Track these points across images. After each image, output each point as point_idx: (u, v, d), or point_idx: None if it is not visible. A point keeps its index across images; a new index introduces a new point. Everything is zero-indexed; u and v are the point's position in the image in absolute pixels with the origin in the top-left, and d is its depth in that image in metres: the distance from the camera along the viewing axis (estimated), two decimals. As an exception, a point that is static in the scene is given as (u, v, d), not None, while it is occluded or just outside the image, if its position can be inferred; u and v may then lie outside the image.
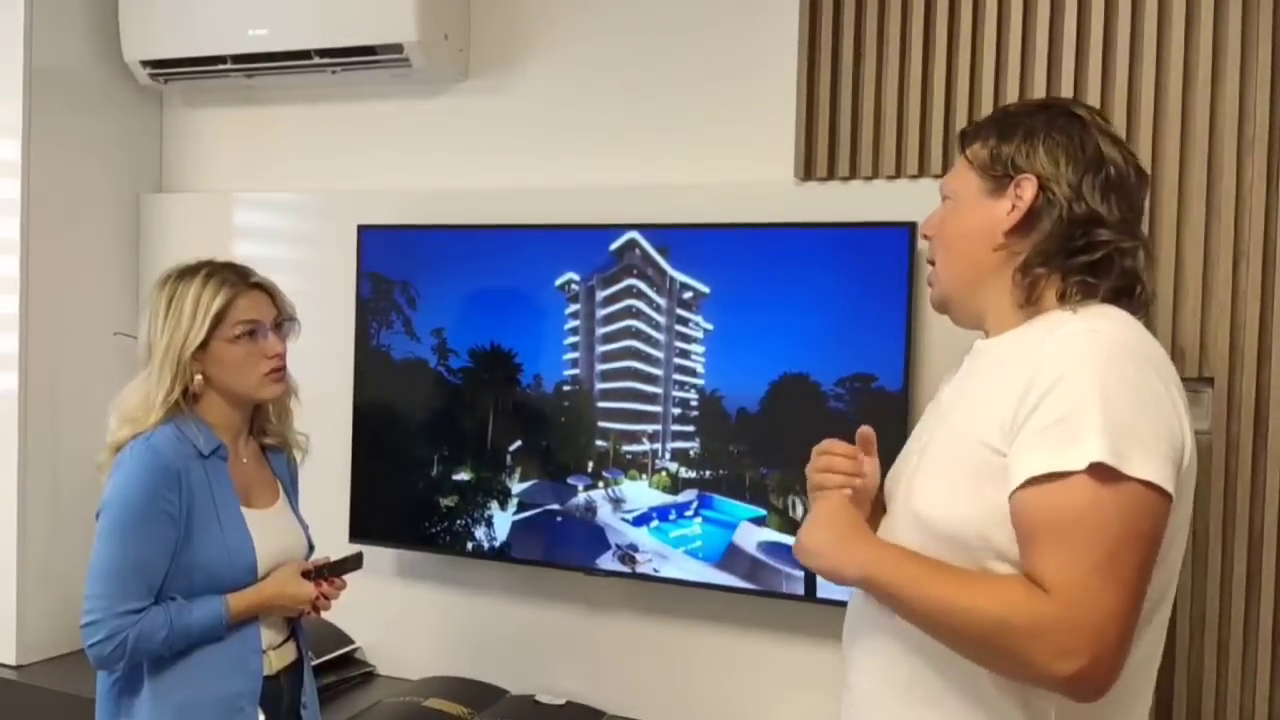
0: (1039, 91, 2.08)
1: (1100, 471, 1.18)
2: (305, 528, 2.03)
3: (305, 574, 1.92)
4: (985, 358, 1.39)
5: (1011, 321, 1.37)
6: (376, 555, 2.36)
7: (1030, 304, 1.36)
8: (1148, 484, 1.19)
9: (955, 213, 1.44)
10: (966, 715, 1.30)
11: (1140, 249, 1.37)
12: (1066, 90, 2.06)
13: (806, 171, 2.29)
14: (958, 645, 1.26)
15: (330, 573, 1.95)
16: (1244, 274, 1.96)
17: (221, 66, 2.71)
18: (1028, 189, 1.35)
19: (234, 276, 1.90)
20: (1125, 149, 1.39)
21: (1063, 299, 1.34)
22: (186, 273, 1.89)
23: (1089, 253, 1.33)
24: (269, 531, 1.92)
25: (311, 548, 2.02)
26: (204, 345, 1.85)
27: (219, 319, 1.85)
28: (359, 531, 2.56)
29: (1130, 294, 1.36)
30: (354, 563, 2.00)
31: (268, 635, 1.90)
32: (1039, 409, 1.22)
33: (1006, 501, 1.24)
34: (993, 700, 1.27)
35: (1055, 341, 1.27)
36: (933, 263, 1.47)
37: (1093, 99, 2.04)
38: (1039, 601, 1.19)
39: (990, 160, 1.39)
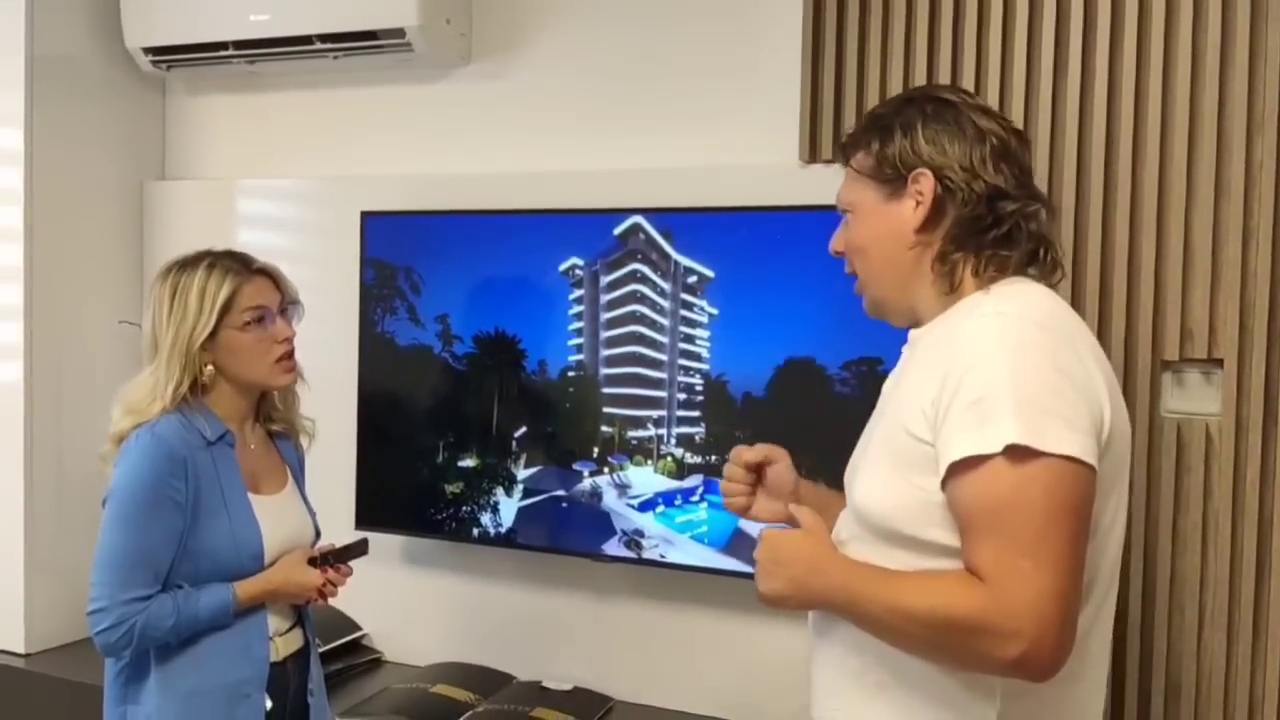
0: (1045, 71, 2.06)
1: (1018, 452, 1.19)
2: (313, 514, 2.02)
3: (311, 561, 1.92)
4: (917, 348, 1.42)
5: (938, 310, 1.39)
6: (382, 542, 2.36)
7: (954, 290, 1.38)
8: (1068, 458, 1.20)
9: (860, 223, 1.44)
10: (917, 701, 1.32)
11: (1041, 209, 1.39)
12: (1074, 70, 2.04)
13: (811, 154, 2.27)
14: (914, 651, 1.29)
15: (336, 559, 1.95)
16: (1254, 254, 1.94)
17: (223, 53, 2.69)
18: (925, 183, 1.37)
19: (237, 264, 1.89)
20: (998, 117, 1.41)
21: (977, 275, 1.36)
22: (188, 263, 1.89)
23: (998, 227, 1.35)
24: (277, 518, 1.92)
25: (318, 534, 2.02)
26: (212, 335, 1.85)
27: (226, 308, 1.85)
28: (365, 518, 2.56)
29: (1039, 257, 1.39)
30: (359, 549, 2.00)
31: (274, 622, 1.91)
32: (956, 396, 1.24)
33: (937, 490, 1.26)
34: (941, 684, 1.30)
35: (968, 328, 1.29)
36: (854, 274, 1.48)
37: (1100, 79, 2.02)
38: (974, 594, 1.21)
39: (878, 165, 1.40)
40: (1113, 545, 1.35)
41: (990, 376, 1.22)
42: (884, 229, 1.41)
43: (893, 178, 1.39)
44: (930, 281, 1.39)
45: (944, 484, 1.25)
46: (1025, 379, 1.22)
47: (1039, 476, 1.19)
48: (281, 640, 1.92)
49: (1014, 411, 1.20)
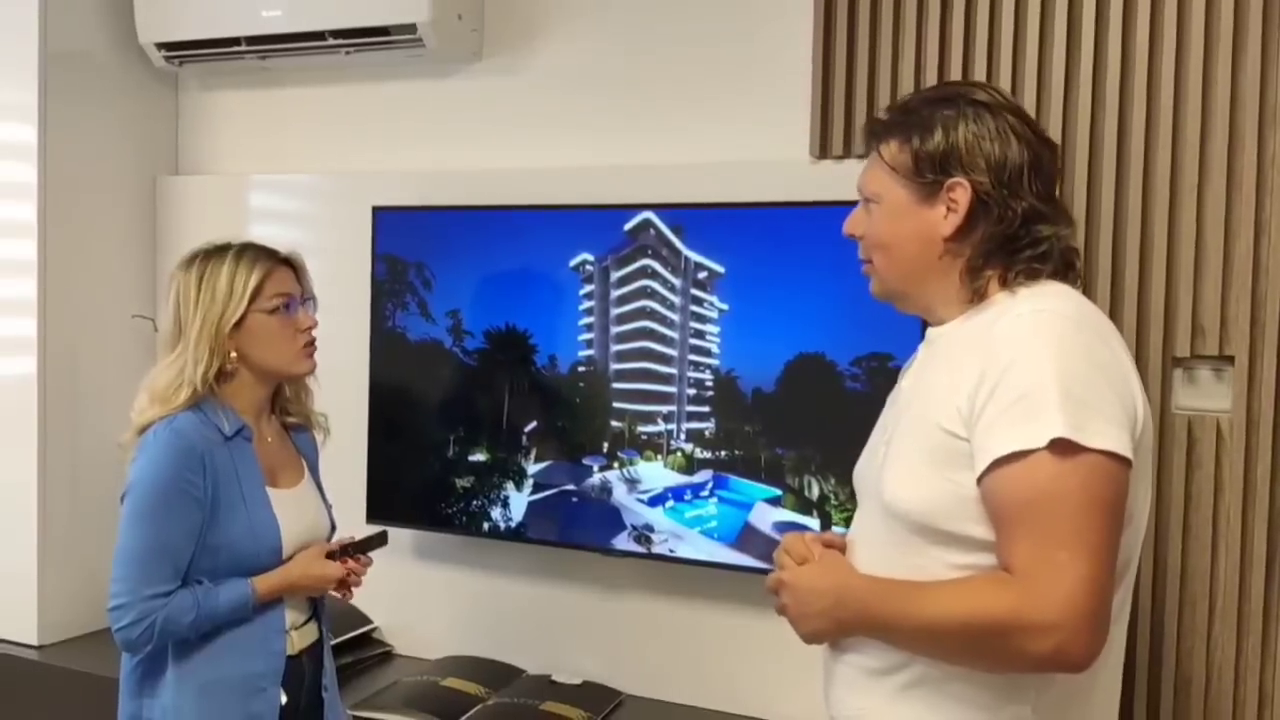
0: (1058, 67, 2.06)
1: (1061, 446, 1.20)
2: (328, 506, 2.03)
3: (331, 554, 1.92)
4: (938, 345, 1.41)
5: (959, 309, 1.39)
6: (393, 536, 2.36)
7: (979, 298, 1.37)
8: (1107, 453, 1.21)
9: (887, 219, 1.41)
10: (948, 702, 1.31)
11: (1063, 222, 1.38)
12: (1087, 63, 2.04)
13: (822, 150, 2.27)
14: (952, 658, 1.29)
15: (356, 551, 1.95)
16: (1265, 250, 1.94)
17: (236, 49, 2.70)
18: (962, 195, 1.34)
19: (264, 253, 1.91)
20: (1029, 121, 1.39)
21: (1005, 284, 1.36)
22: (214, 252, 1.90)
23: (1034, 248, 1.35)
24: (294, 511, 1.92)
25: (333, 526, 2.03)
26: (239, 321, 1.85)
27: (256, 293, 1.86)
28: (376, 513, 2.57)
29: (1070, 266, 1.38)
30: (379, 540, 2.00)
31: (290, 615, 1.91)
32: (996, 392, 1.24)
33: (973, 485, 1.26)
34: (973, 684, 1.28)
35: (1005, 325, 1.29)
36: (868, 260, 1.46)
37: (1112, 72, 2.02)
38: (1004, 593, 1.21)
39: (915, 166, 1.37)
40: (1141, 534, 1.36)
41: (1033, 372, 1.22)
42: (911, 230, 1.39)
43: (929, 181, 1.36)
44: (955, 286, 1.38)
45: (981, 479, 1.25)
46: (1067, 375, 1.22)
47: (1078, 471, 1.20)
48: (297, 634, 1.92)
49: (1059, 406, 1.20)
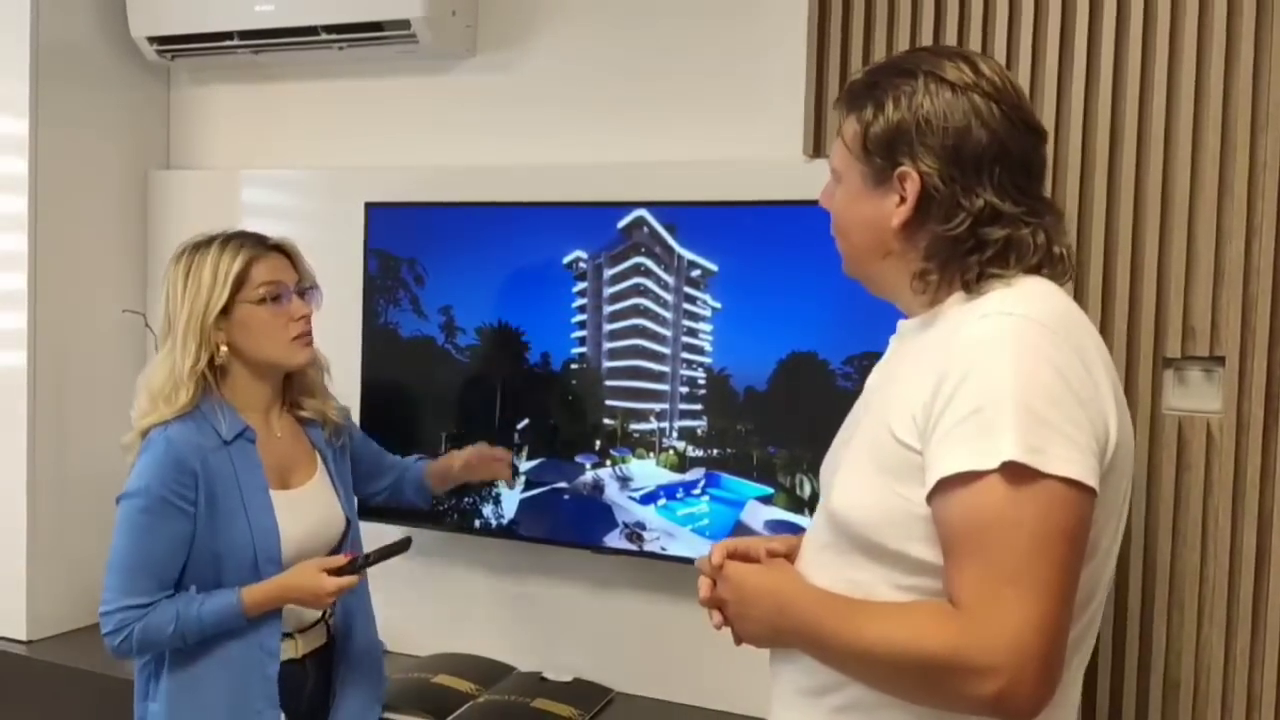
0: (1050, 70, 2.06)
1: (1014, 471, 1.08)
2: (349, 501, 1.97)
3: (347, 566, 1.84)
4: (906, 341, 1.32)
5: (922, 305, 1.28)
6: (384, 533, 2.36)
7: (936, 304, 1.26)
8: (1067, 480, 1.09)
9: (845, 200, 1.31)
10: None
11: (1045, 220, 1.25)
12: (1079, 68, 2.04)
13: (816, 149, 2.27)
14: (886, 689, 1.19)
15: (375, 561, 1.88)
16: (1257, 252, 1.94)
17: (228, 43, 2.69)
18: (910, 187, 1.23)
19: (251, 240, 1.88)
20: (1006, 103, 1.23)
21: (968, 288, 1.23)
22: (202, 244, 1.87)
23: (980, 251, 1.22)
24: (298, 514, 1.88)
25: (349, 523, 1.98)
26: (226, 311, 1.82)
27: (240, 282, 1.83)
28: (366, 510, 2.55)
29: (1051, 260, 1.25)
30: (400, 547, 1.92)
31: (297, 618, 1.88)
32: (952, 404, 1.13)
33: (922, 502, 1.15)
34: (907, 710, 1.19)
35: (968, 329, 1.17)
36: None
37: (1105, 74, 2.03)
38: (946, 627, 1.11)
39: (864, 148, 1.26)
40: (1110, 564, 1.25)
41: (990, 385, 1.11)
42: (865, 217, 1.28)
43: (880, 166, 1.25)
44: (911, 288, 1.28)
45: (930, 498, 1.14)
46: (1028, 390, 1.10)
47: (1034, 498, 1.09)
48: (302, 637, 1.90)
49: (1013, 426, 1.09)
